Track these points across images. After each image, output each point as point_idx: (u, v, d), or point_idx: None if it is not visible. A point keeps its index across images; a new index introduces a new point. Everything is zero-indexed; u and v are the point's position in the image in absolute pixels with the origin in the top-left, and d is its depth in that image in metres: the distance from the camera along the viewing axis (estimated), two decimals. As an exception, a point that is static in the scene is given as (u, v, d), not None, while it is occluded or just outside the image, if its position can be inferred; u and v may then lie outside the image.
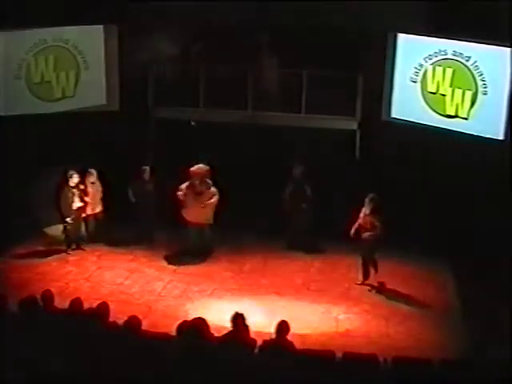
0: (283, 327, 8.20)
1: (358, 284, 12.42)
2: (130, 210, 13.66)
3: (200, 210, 13.04)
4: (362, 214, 12.30)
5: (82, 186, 13.37)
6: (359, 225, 12.28)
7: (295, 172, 13.57)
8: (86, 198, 13.43)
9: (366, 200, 12.24)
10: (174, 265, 13.03)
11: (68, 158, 13.91)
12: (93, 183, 13.55)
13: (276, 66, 14.76)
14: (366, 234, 12.21)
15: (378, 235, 12.11)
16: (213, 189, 13.16)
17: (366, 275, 12.44)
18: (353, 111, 14.71)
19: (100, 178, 13.68)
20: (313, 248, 13.56)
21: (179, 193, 13.06)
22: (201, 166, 13.13)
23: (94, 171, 13.58)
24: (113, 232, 13.81)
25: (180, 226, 13.29)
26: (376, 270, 12.44)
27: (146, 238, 13.74)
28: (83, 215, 13.52)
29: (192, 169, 13.08)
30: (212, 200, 13.08)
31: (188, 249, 13.27)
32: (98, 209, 13.72)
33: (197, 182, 13.04)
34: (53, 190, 13.20)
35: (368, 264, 12.43)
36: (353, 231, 12.30)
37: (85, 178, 13.47)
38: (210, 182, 13.18)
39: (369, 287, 12.35)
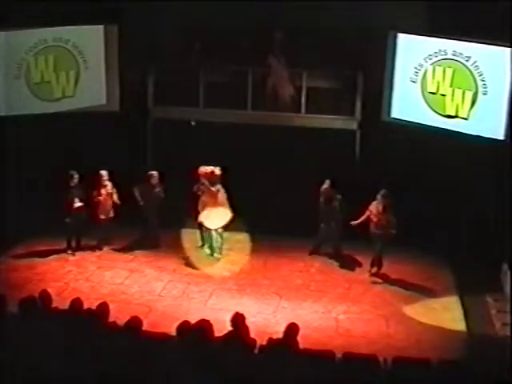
0: (293, 329, 8.18)
1: (372, 273, 12.65)
2: (135, 213, 13.58)
3: (217, 213, 13.02)
4: (374, 211, 12.37)
5: (101, 192, 13.27)
6: (371, 221, 12.42)
7: (323, 187, 13.38)
8: (100, 197, 13.26)
9: (379, 197, 12.38)
10: (174, 265, 13.03)
11: (68, 158, 13.95)
12: (105, 186, 13.33)
13: (286, 66, 14.71)
14: (382, 231, 12.32)
15: (393, 231, 12.28)
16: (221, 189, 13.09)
17: (373, 264, 12.70)
18: (353, 111, 14.70)
19: (111, 180, 13.41)
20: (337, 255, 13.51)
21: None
22: (208, 167, 13.04)
23: (105, 173, 13.33)
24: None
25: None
26: (380, 267, 12.58)
27: (152, 241, 13.67)
28: (83, 213, 13.34)
29: (200, 170, 13.03)
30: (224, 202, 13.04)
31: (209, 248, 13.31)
32: (110, 214, 13.45)
33: (206, 183, 12.96)
34: (53, 190, 13.14)
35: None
36: (357, 223, 12.46)
37: (97, 181, 13.29)
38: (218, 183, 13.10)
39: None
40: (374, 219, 12.45)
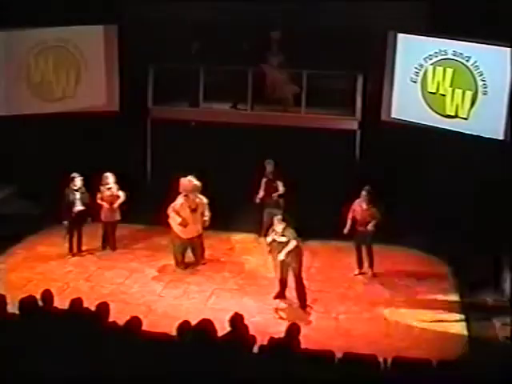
0: (294, 329, 8.17)
1: (355, 275, 12.62)
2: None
3: (193, 226, 12.74)
4: (358, 209, 12.41)
5: (106, 195, 13.06)
6: (356, 219, 12.42)
7: (268, 167, 13.63)
8: (104, 200, 13.10)
9: (363, 193, 12.36)
10: (175, 265, 13.03)
11: (68, 158, 13.95)
12: (109, 188, 13.13)
13: (283, 65, 14.72)
14: (369, 226, 12.33)
15: (378, 226, 12.29)
16: (204, 200, 12.88)
17: (360, 265, 12.69)
18: (353, 111, 14.70)
19: (118, 182, 13.18)
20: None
21: (173, 213, 12.67)
22: (191, 178, 12.77)
23: (110, 175, 13.10)
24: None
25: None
26: (372, 264, 12.60)
27: None
28: (84, 217, 13.15)
29: (183, 182, 12.74)
30: (206, 217, 12.78)
31: (179, 263, 12.99)
32: (115, 217, 13.26)
33: (191, 197, 12.69)
34: (54, 190, 13.12)
35: (362, 254, 12.65)
36: (347, 229, 12.47)
37: (102, 183, 13.10)
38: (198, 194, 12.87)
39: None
40: (359, 217, 12.44)
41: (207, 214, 12.79)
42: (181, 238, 12.80)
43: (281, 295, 11.77)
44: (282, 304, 11.70)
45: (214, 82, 15.04)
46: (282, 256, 11.35)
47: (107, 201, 13.16)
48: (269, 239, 11.64)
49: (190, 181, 12.76)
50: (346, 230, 12.46)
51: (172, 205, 12.72)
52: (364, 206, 12.35)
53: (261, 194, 13.64)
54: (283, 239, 11.41)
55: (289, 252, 11.34)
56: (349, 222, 12.49)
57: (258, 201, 13.65)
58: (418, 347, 10.41)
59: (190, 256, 13.04)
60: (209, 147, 14.66)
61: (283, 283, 11.72)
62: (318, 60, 14.26)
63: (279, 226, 11.45)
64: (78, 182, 12.94)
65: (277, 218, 11.62)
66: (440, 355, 9.15)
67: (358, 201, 12.44)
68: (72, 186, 12.94)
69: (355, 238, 12.56)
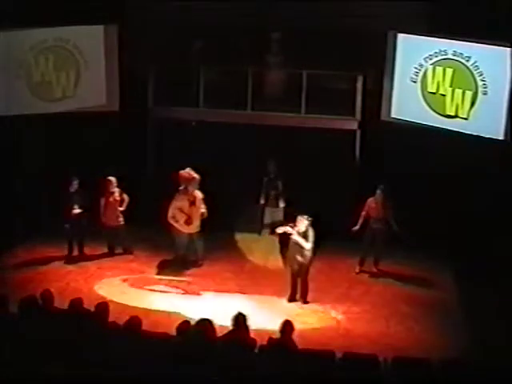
0: (287, 327, 8.19)
1: (357, 273, 12.78)
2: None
3: (193, 220, 12.83)
4: (373, 205, 12.53)
5: (109, 199, 13.03)
6: (371, 217, 12.54)
7: (269, 167, 13.70)
8: (107, 204, 13.05)
9: (378, 191, 12.50)
10: (174, 265, 13.03)
11: (68, 158, 13.95)
12: (112, 193, 13.10)
13: (282, 65, 14.72)
14: (383, 225, 12.46)
15: (395, 225, 12.44)
16: (200, 195, 12.88)
17: (362, 263, 12.85)
18: (353, 111, 14.70)
19: (120, 186, 13.15)
20: None
21: (176, 210, 12.81)
22: (189, 170, 12.82)
23: (113, 179, 13.05)
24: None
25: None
26: (378, 261, 12.77)
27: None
28: (83, 220, 13.10)
29: (183, 174, 12.79)
30: (202, 209, 12.82)
31: (177, 257, 13.08)
32: (118, 222, 13.21)
33: (189, 189, 12.76)
34: (54, 190, 13.11)
35: (367, 252, 12.76)
36: (358, 227, 12.57)
37: (105, 187, 13.07)
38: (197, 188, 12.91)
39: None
40: (374, 214, 12.50)
41: (203, 206, 12.83)
42: (182, 233, 12.85)
43: (293, 297, 11.82)
44: (282, 304, 11.71)
45: (214, 82, 15.05)
46: (309, 245, 11.49)
47: (111, 205, 13.14)
48: (284, 229, 11.70)
49: (189, 173, 12.80)
50: (357, 226, 12.57)
51: (172, 204, 12.76)
52: (380, 203, 12.45)
53: (262, 193, 13.68)
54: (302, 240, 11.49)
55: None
56: (361, 220, 12.59)
57: (262, 201, 13.67)
58: (418, 347, 10.42)
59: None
60: (209, 147, 14.64)
61: (295, 283, 11.78)
62: (318, 60, 14.26)
63: (302, 226, 11.47)
64: (75, 185, 12.90)
65: (300, 217, 11.57)
66: (440, 355, 9.16)
67: (372, 198, 12.57)
68: (70, 190, 12.90)
69: (367, 235, 12.64)
